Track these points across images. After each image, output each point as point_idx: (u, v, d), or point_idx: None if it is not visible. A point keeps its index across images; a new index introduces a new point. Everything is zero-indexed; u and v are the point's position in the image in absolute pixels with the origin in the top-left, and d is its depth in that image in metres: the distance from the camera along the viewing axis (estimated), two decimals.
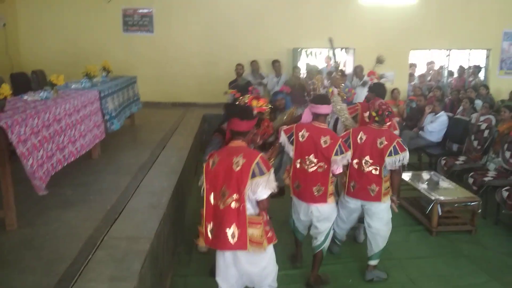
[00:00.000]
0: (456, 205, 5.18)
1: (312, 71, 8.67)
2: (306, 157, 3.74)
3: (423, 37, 9.92)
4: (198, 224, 3.11)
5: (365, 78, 8.12)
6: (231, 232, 2.90)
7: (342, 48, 9.92)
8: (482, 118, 7.11)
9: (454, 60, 11.23)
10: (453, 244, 4.90)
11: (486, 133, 6.41)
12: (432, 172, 6.21)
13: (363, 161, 3.89)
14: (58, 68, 6.91)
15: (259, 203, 2.95)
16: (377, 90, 4.63)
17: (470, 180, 5.74)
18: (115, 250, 3.10)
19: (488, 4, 9.84)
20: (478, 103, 8.04)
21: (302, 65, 9.86)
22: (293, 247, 4.40)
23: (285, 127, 3.96)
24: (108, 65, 6.73)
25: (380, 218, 4.02)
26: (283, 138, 3.90)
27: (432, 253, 4.72)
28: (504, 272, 4.29)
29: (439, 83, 10.99)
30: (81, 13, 9.32)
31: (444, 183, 5.65)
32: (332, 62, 9.47)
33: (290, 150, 3.85)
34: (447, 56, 10.75)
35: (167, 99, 9.63)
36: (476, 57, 10.91)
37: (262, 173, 2.86)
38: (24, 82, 6.98)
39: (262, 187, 2.86)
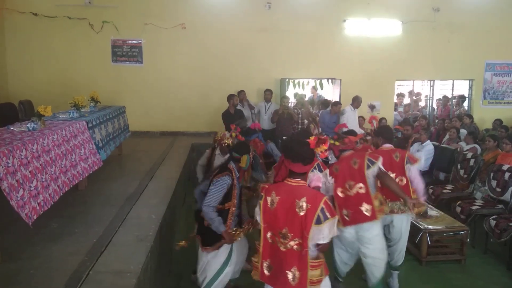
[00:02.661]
0: (444, 234, 5.18)
1: (300, 101, 8.81)
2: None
3: (408, 67, 10.18)
4: (252, 256, 3.12)
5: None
6: (292, 274, 2.85)
7: (328, 79, 10.09)
8: (467, 147, 7.21)
9: (438, 90, 11.47)
10: (442, 274, 4.88)
11: (472, 162, 6.50)
12: None
13: (347, 186, 3.90)
14: (46, 98, 6.94)
15: (320, 246, 2.88)
16: (384, 133, 4.54)
17: (458, 209, 5.77)
18: (100, 285, 3.03)
19: (470, 35, 10.16)
20: (463, 132, 8.17)
21: (290, 94, 9.97)
22: None
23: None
24: (97, 95, 6.74)
25: (374, 245, 3.95)
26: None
27: (422, 283, 4.69)
28: None
29: (424, 112, 11.18)
30: (70, 44, 9.38)
31: (433, 212, 5.66)
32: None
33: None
34: (431, 86, 10.97)
35: (155, 129, 9.64)
36: (460, 87, 11.16)
37: (326, 219, 2.77)
38: (12, 113, 6.94)
39: (326, 233, 2.79)
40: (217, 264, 3.77)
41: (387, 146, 4.44)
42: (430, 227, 5.10)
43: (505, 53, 10.35)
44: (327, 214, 2.78)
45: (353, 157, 3.93)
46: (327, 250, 2.95)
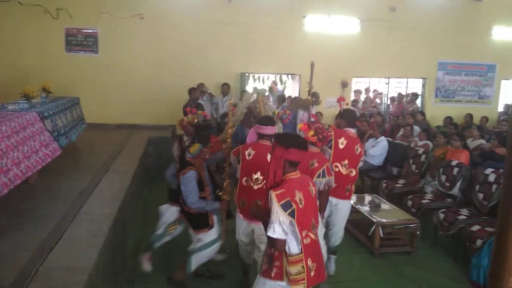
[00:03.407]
0: (396, 227, 5.36)
1: (259, 95, 8.81)
2: (253, 174, 3.79)
3: (365, 65, 10.42)
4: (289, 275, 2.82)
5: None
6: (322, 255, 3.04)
7: (288, 75, 10.17)
8: (420, 143, 7.49)
9: (393, 87, 11.83)
10: (394, 265, 5.05)
11: (423, 157, 6.75)
12: (374, 195, 6.42)
13: None
14: None
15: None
16: (348, 117, 4.63)
17: (409, 203, 5.98)
18: (50, 282, 2.93)
19: (423, 35, 10.52)
20: (416, 129, 8.47)
21: (249, 89, 9.97)
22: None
23: (234, 150, 4.05)
24: (48, 85, 6.47)
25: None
26: (232, 159, 4.01)
27: (374, 275, 4.83)
28: None
29: (379, 109, 11.51)
30: (21, 31, 8.94)
31: (385, 206, 5.85)
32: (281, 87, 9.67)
33: (237, 169, 3.92)
34: (386, 84, 11.29)
35: (111, 121, 9.37)
36: (414, 85, 11.55)
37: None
38: None
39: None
40: (210, 238, 3.99)
41: (352, 131, 4.57)
42: (383, 220, 5.26)
43: (456, 53, 10.80)
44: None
45: (314, 158, 3.87)
46: None
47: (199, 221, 3.96)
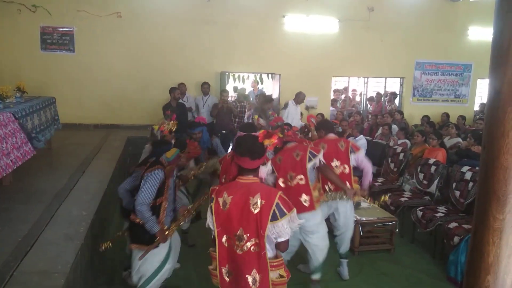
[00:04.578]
0: (375, 225, 5.41)
1: (241, 95, 8.81)
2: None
3: (344, 65, 10.50)
4: (209, 264, 2.89)
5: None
6: (252, 278, 2.68)
7: (268, 74, 10.18)
8: (398, 142, 7.58)
9: (372, 87, 11.96)
10: (373, 263, 5.10)
11: (401, 156, 6.83)
12: None
13: (288, 177, 3.99)
14: None
15: (279, 244, 2.72)
16: (325, 126, 4.81)
17: (388, 201, 6.05)
18: (25, 286, 2.88)
19: (401, 35, 10.65)
20: (394, 128, 8.57)
21: (230, 88, 9.95)
22: None
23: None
24: (23, 85, 6.31)
25: (316, 234, 4.12)
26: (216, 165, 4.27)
27: (354, 273, 4.86)
28: None
29: (358, 108, 11.62)
30: None
31: (365, 204, 5.89)
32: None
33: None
34: (365, 83, 11.41)
35: (88, 121, 9.23)
36: (392, 84, 11.70)
37: (283, 215, 2.61)
38: None
39: (283, 229, 2.63)
40: (155, 262, 3.59)
41: (331, 135, 4.68)
42: (363, 218, 5.31)
43: (434, 52, 10.97)
44: (284, 209, 2.63)
45: (296, 149, 4.04)
46: (287, 249, 2.82)
47: (143, 235, 3.53)
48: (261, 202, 2.61)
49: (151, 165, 3.64)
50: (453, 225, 4.89)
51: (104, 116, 9.28)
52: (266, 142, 3.73)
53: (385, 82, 11.51)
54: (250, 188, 2.69)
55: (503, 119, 1.11)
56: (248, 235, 2.64)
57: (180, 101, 8.28)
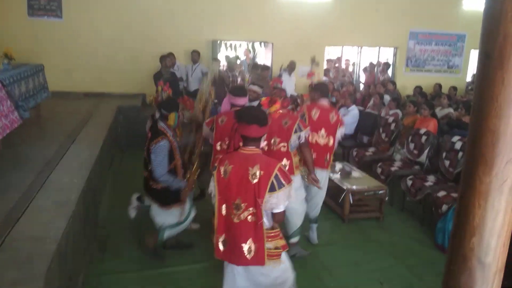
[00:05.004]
0: (366, 193, 5.48)
1: (232, 63, 8.72)
2: (225, 138, 3.92)
3: (337, 34, 10.36)
4: (211, 232, 2.95)
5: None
6: (247, 247, 2.72)
7: (260, 42, 10.04)
8: (390, 112, 7.59)
9: (365, 56, 11.88)
10: (363, 230, 5.19)
11: (392, 126, 6.86)
12: (344, 163, 6.51)
13: (272, 141, 4.03)
14: None
15: (275, 215, 2.78)
16: (321, 89, 4.74)
17: (379, 170, 6.11)
18: (17, 252, 2.88)
19: (395, 4, 10.50)
20: (387, 98, 8.57)
21: (221, 57, 9.83)
22: None
23: (207, 121, 4.19)
24: (11, 52, 6.17)
25: (296, 197, 4.11)
26: (205, 130, 4.15)
27: (344, 240, 4.96)
28: (408, 255, 4.62)
29: (351, 78, 11.58)
30: None
31: (356, 173, 5.95)
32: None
33: (211, 137, 4.08)
34: (358, 53, 11.32)
35: (78, 89, 9.08)
36: (386, 54, 11.62)
37: (281, 186, 2.65)
38: None
39: (281, 201, 2.68)
40: (183, 214, 4.03)
41: (324, 101, 4.64)
42: (353, 187, 5.37)
43: (427, 22, 10.84)
44: (282, 181, 2.68)
45: (286, 117, 4.05)
46: (283, 220, 2.90)
47: (169, 196, 3.91)
48: (260, 173, 2.66)
49: (153, 136, 3.73)
50: (441, 194, 4.97)
51: (94, 84, 9.14)
52: (272, 108, 3.77)
53: (379, 52, 11.43)
54: (250, 158, 2.74)
55: (492, 83, 1.10)
56: (245, 204, 2.69)
57: (171, 70, 8.18)
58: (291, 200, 2.76)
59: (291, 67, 8.87)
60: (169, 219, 4.01)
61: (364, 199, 5.64)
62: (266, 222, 2.78)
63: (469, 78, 11.98)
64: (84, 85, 9.11)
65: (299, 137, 4.00)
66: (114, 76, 9.20)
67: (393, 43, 11.02)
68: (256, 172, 2.66)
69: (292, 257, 4.17)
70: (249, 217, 2.70)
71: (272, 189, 2.64)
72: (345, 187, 5.33)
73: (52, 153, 5.00)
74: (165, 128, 3.78)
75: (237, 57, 9.15)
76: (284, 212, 2.78)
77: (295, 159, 4.12)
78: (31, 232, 3.14)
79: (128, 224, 4.52)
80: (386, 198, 5.51)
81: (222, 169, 2.76)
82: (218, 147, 4.04)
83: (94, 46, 9.05)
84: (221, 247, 2.82)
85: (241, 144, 2.86)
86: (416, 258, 4.57)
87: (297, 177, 4.13)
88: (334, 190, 5.72)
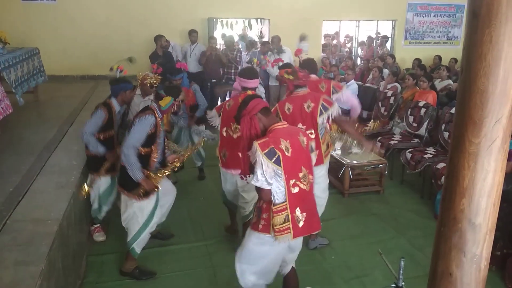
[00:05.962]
0: (365, 168, 5.49)
1: (229, 42, 8.61)
2: (231, 123, 3.76)
3: (334, 8, 10.21)
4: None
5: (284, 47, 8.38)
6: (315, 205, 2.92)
7: (257, 19, 9.91)
8: (389, 86, 7.54)
9: (364, 30, 11.73)
10: (363, 204, 5.22)
11: (392, 99, 6.82)
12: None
13: None
14: None
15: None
16: (309, 66, 4.51)
17: (378, 144, 6.09)
18: (19, 234, 2.92)
19: None
20: (385, 71, 8.50)
21: (218, 35, 9.70)
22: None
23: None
24: (5, 36, 6.12)
25: (319, 184, 4.00)
26: (213, 114, 4.00)
27: (344, 214, 4.99)
28: (409, 228, 4.66)
29: (349, 53, 11.47)
30: None
31: (355, 148, 5.94)
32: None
33: (218, 122, 3.93)
34: (356, 27, 11.17)
35: (75, 72, 9.02)
36: (384, 28, 11.48)
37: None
38: None
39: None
40: (140, 218, 3.59)
41: (313, 76, 4.48)
42: (353, 161, 5.38)
43: None
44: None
45: (307, 99, 3.75)
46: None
47: (129, 181, 3.49)
48: (303, 138, 2.79)
49: (142, 110, 3.60)
50: (441, 165, 4.96)
51: (91, 67, 9.05)
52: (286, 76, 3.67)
53: (377, 25, 11.29)
54: (292, 129, 2.83)
55: (480, 42, 1.09)
56: (308, 170, 2.77)
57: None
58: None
59: (274, 42, 8.69)
60: (135, 218, 3.62)
61: (364, 173, 5.66)
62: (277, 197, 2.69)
63: None
64: (80, 68, 9.04)
65: (328, 118, 3.73)
66: (110, 58, 9.05)
67: (392, 16, 10.86)
68: (304, 139, 2.79)
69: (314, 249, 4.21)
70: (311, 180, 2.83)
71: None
72: (344, 162, 5.34)
73: (51, 136, 5.02)
74: (156, 108, 3.57)
75: (232, 36, 9.00)
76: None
77: (324, 147, 3.89)
78: (33, 214, 3.18)
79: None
80: (386, 172, 5.52)
81: (282, 146, 2.61)
82: (224, 133, 3.87)
83: (88, 28, 8.95)
84: (300, 224, 2.73)
85: (269, 127, 2.73)
86: (417, 230, 4.61)
87: (325, 165, 4.02)
88: (334, 165, 5.72)
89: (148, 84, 4.64)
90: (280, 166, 2.58)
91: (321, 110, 3.69)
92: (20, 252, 2.70)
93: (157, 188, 3.58)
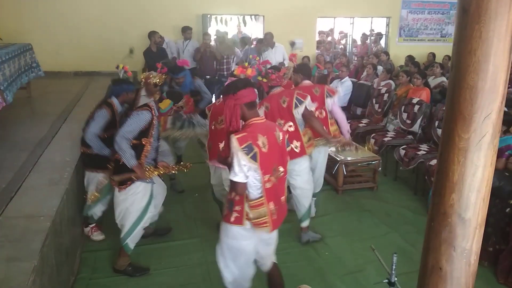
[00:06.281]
0: (359, 164, 5.51)
1: (223, 39, 8.59)
2: (218, 117, 3.85)
3: (329, 4, 10.21)
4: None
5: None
6: (284, 197, 2.92)
7: (251, 16, 9.90)
8: (383, 83, 7.56)
9: (358, 27, 11.74)
10: (357, 200, 5.25)
11: (385, 96, 6.85)
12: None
13: (277, 124, 3.94)
14: None
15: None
16: (303, 70, 4.61)
17: (372, 141, 6.13)
18: (11, 230, 2.90)
19: None
20: (380, 69, 8.52)
21: (212, 32, 9.67)
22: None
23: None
24: None
25: (302, 177, 4.13)
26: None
27: (338, 210, 5.01)
28: (402, 224, 4.69)
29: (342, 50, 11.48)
30: None
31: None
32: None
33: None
34: (351, 24, 11.18)
35: (68, 68, 8.97)
36: (378, 25, 11.49)
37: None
38: None
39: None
40: (134, 212, 3.62)
41: (307, 82, 4.54)
42: (347, 158, 5.40)
43: None
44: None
45: (282, 95, 3.97)
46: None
47: (121, 165, 3.51)
48: (279, 133, 2.83)
49: (141, 106, 3.61)
50: (434, 162, 4.98)
51: (84, 63, 9.00)
52: (249, 72, 3.71)
53: (371, 23, 11.30)
54: (269, 124, 2.87)
55: (470, 38, 1.09)
56: (282, 166, 2.80)
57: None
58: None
59: (267, 39, 8.70)
60: (129, 212, 3.63)
61: (358, 170, 5.68)
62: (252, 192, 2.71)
63: None
64: (74, 65, 8.99)
65: (300, 111, 3.90)
66: (103, 54, 9.05)
67: (386, 13, 10.87)
68: (279, 135, 2.82)
69: (306, 243, 4.24)
70: (283, 172, 2.83)
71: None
72: (338, 159, 5.35)
73: (44, 132, 4.98)
74: (155, 107, 3.61)
75: (226, 32, 8.97)
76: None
77: (305, 139, 4.03)
78: (25, 210, 3.16)
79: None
80: (380, 168, 5.55)
81: (259, 142, 2.63)
82: (212, 127, 3.97)
83: (80, 24, 8.88)
84: (274, 216, 2.77)
85: (248, 121, 2.74)
86: (410, 226, 4.63)
87: (307, 157, 4.13)
88: (328, 162, 5.73)
89: (152, 83, 4.60)
90: (257, 162, 2.59)
91: (295, 104, 3.90)
92: (13, 248, 2.68)
93: (149, 178, 3.61)
